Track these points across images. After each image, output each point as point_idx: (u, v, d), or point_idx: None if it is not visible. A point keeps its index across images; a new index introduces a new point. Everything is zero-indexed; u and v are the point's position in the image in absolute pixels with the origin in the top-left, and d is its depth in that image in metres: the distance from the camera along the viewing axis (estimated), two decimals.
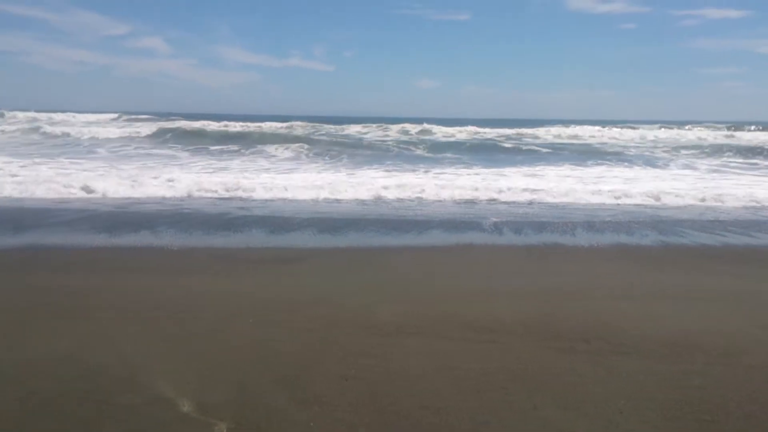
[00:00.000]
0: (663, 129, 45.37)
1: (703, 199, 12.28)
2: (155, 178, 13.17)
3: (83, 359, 3.84)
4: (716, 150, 27.96)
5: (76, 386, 3.45)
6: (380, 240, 8.10)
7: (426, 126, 38.40)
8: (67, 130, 30.88)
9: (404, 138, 32.25)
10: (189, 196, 11.70)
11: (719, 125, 51.30)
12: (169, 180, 12.85)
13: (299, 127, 37.84)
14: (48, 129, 31.36)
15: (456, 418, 3.17)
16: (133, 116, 50.98)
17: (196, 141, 26.67)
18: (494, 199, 12.04)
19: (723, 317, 4.91)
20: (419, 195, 12.22)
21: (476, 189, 12.67)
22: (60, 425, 3.04)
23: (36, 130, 31.45)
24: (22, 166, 15.51)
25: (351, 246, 7.75)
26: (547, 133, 38.74)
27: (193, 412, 3.18)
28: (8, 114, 44.82)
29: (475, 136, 35.18)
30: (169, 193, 11.83)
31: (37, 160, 17.67)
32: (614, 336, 4.37)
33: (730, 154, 26.78)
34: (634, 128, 45.27)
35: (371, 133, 37.15)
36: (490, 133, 38.24)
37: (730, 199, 12.23)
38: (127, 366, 3.74)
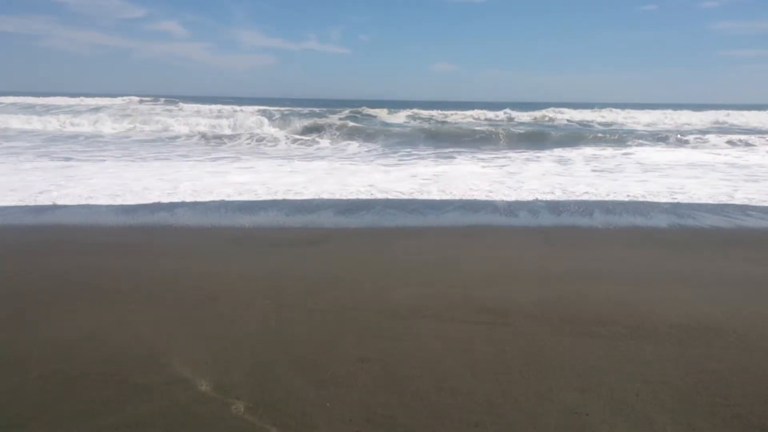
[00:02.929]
0: None
1: None
2: None
3: (104, 340, 3.90)
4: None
5: (97, 366, 3.51)
6: (399, 222, 8.12)
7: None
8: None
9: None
10: None
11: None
12: None
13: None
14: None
15: (472, 400, 3.18)
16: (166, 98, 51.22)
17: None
18: None
19: (740, 301, 4.86)
20: None
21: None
22: (81, 404, 3.09)
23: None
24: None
25: (368, 228, 7.77)
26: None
27: (211, 392, 3.22)
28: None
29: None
30: None
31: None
32: (630, 320, 4.35)
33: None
34: None
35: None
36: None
37: None
38: (147, 347, 3.79)
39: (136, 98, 51.63)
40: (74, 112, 32.82)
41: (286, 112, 36.99)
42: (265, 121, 26.71)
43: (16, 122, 26.28)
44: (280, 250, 6.52)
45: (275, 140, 22.57)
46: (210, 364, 3.54)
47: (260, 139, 22.62)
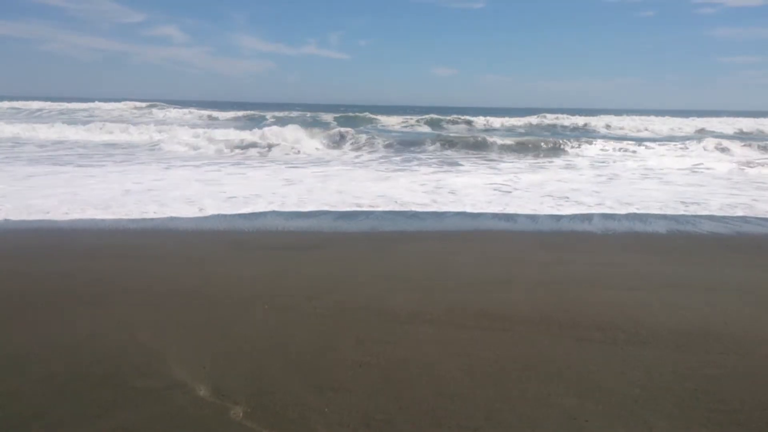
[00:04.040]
0: None
1: None
2: None
3: (103, 343, 3.90)
4: None
5: (95, 370, 3.51)
6: (396, 227, 8.12)
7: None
8: None
9: None
10: None
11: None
12: None
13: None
14: None
15: (471, 405, 3.18)
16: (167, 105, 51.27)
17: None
18: None
19: (739, 307, 4.86)
20: None
21: None
22: (79, 407, 3.08)
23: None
24: None
25: (367, 233, 7.77)
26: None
27: (210, 396, 3.21)
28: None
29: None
30: None
31: None
32: (630, 325, 4.34)
33: None
34: None
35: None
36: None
37: None
38: (145, 351, 3.78)
39: (138, 104, 51.81)
40: (71, 116, 32.52)
41: (282, 116, 37.01)
42: (267, 128, 26.35)
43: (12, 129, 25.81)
44: (279, 254, 6.52)
45: (273, 145, 22.24)
46: (208, 368, 3.54)
47: (255, 146, 21.91)
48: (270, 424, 2.96)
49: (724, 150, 22.51)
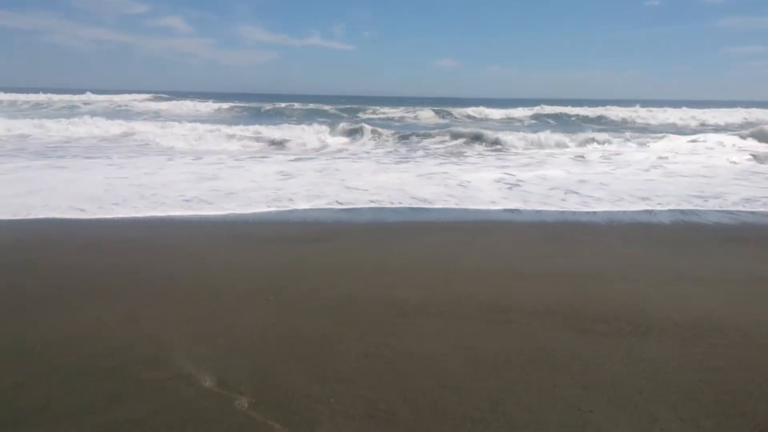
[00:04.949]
0: None
1: None
2: None
3: (108, 336, 3.91)
4: None
5: (100, 362, 3.52)
6: (401, 219, 8.11)
7: None
8: None
9: None
10: None
11: None
12: None
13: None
14: None
15: (475, 396, 3.18)
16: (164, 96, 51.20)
17: None
18: None
19: (744, 299, 4.85)
20: None
21: None
22: (85, 400, 3.10)
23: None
24: None
25: (372, 225, 7.77)
26: None
27: (215, 387, 3.23)
28: None
29: None
30: None
31: None
32: (634, 317, 4.34)
33: None
34: None
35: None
36: None
37: None
38: (150, 343, 3.80)
39: (139, 95, 51.84)
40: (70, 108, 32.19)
41: (283, 107, 36.91)
42: (268, 123, 26.03)
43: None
44: (284, 247, 6.53)
45: (276, 139, 22.02)
46: (214, 360, 3.55)
47: (257, 140, 21.25)
48: (275, 415, 2.97)
49: (735, 142, 22.16)
